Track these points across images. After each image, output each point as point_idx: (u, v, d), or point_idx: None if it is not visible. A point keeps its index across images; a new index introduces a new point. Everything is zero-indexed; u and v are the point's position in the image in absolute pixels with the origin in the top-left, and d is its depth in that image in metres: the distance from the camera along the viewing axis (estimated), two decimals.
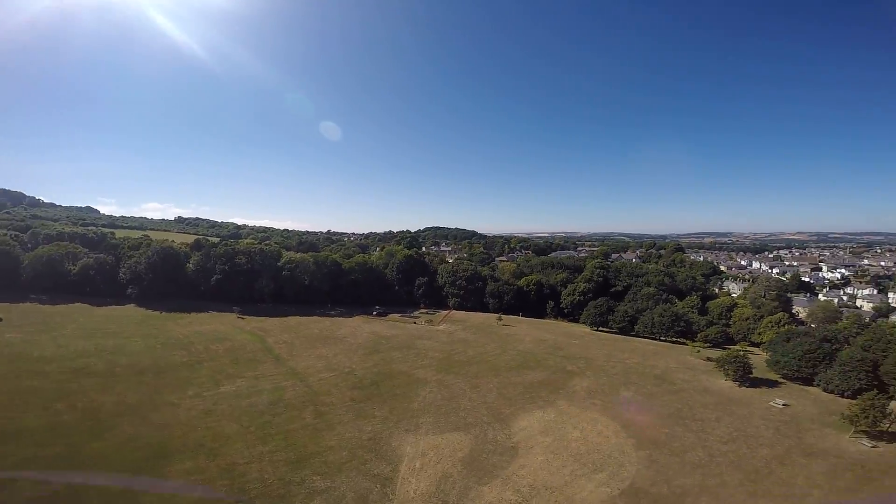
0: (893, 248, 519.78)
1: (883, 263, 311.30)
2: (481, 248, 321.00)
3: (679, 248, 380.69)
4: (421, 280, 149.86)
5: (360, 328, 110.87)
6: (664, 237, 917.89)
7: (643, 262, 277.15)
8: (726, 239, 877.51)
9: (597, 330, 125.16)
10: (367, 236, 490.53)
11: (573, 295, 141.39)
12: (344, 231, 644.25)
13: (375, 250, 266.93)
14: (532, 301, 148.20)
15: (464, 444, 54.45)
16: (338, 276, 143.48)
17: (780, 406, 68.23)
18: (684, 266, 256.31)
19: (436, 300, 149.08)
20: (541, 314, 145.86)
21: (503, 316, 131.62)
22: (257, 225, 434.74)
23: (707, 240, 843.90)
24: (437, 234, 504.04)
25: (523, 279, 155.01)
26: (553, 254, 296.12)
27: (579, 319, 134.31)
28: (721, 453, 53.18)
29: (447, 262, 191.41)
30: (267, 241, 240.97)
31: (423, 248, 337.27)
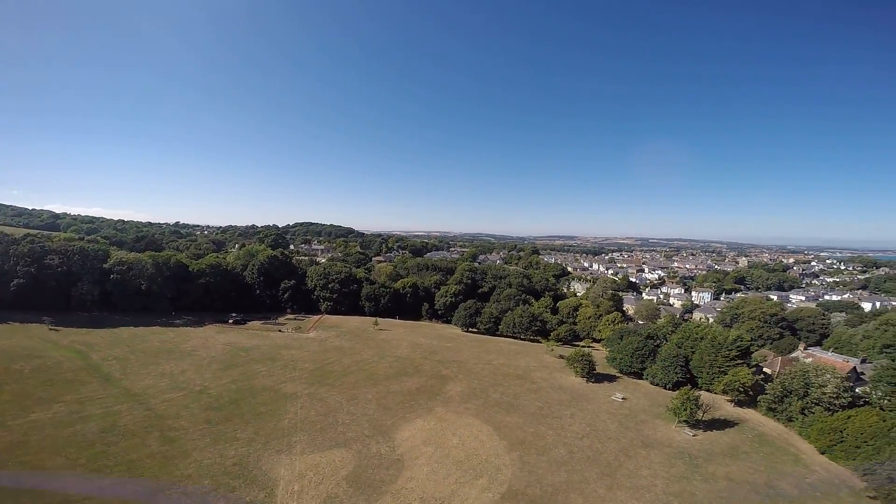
0: (695, 253, 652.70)
1: (688, 266, 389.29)
2: (358, 248, 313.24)
3: (535, 251, 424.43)
4: (287, 283, 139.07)
5: (213, 339, 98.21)
6: (524, 239, 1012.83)
7: (506, 263, 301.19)
8: (573, 242, 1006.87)
9: (467, 331, 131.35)
10: (224, 230, 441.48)
11: (446, 297, 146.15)
12: (197, 223, 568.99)
13: (234, 247, 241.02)
14: (408, 303, 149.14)
15: (346, 460, 51.86)
16: (185, 280, 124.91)
17: (620, 400, 79.53)
18: (539, 268, 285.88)
19: (305, 305, 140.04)
20: (417, 316, 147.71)
21: (379, 320, 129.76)
22: (83, 214, 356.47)
23: (557, 242, 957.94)
24: (309, 231, 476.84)
25: (399, 282, 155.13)
26: (428, 255, 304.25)
27: (452, 321, 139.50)
28: (579, 449, 59.57)
29: (318, 262, 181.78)
30: (93, 236, 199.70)
31: (292, 247, 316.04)
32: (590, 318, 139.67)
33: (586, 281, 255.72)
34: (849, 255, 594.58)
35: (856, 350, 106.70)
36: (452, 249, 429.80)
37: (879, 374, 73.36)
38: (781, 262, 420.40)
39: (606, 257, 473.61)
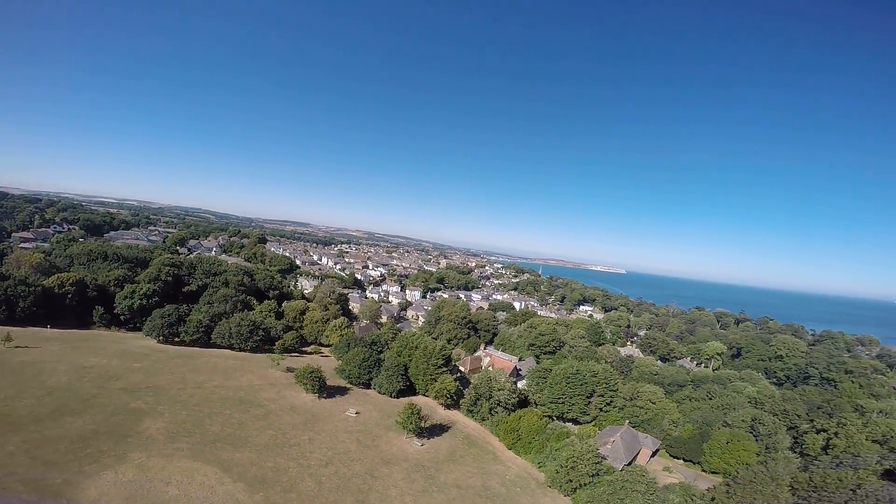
0: (410, 250, 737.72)
1: (405, 264, 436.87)
2: None
3: (263, 239, 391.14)
4: None
5: None
6: (251, 221, 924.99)
7: (225, 252, 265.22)
8: (305, 229, 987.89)
9: (166, 343, 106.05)
10: None
11: (133, 298, 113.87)
12: None
13: None
14: (70, 307, 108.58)
15: None
16: None
17: (354, 415, 79.25)
18: (265, 260, 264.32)
19: None
20: (85, 323, 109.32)
21: (16, 331, 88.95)
22: None
23: (289, 227, 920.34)
24: None
25: (54, 277, 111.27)
26: (111, 234, 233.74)
27: (143, 330, 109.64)
28: (326, 478, 55.82)
29: None
30: None
31: None
32: (317, 322, 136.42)
33: (315, 277, 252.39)
34: (509, 261, 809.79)
35: (513, 347, 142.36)
36: (153, 229, 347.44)
37: (531, 374, 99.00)
38: (468, 265, 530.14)
39: (336, 249, 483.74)
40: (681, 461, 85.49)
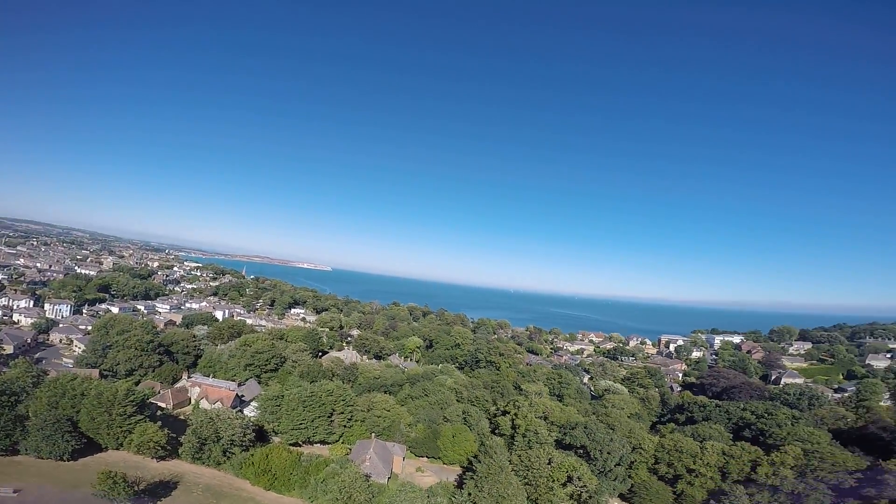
0: (50, 242, 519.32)
1: (39, 264, 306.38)
2: None
3: None
4: None
5: None
6: None
7: None
8: None
9: None
10: None
11: None
12: None
13: None
14: None
15: None
16: None
17: (13, 495, 54.98)
18: None
19: None
20: None
21: None
22: None
23: None
24: None
25: None
26: None
27: None
28: None
29: None
30: None
31: None
32: None
33: None
34: (205, 258, 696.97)
35: (227, 370, 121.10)
36: None
37: (262, 401, 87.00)
38: (147, 265, 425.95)
39: None
40: (426, 459, 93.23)
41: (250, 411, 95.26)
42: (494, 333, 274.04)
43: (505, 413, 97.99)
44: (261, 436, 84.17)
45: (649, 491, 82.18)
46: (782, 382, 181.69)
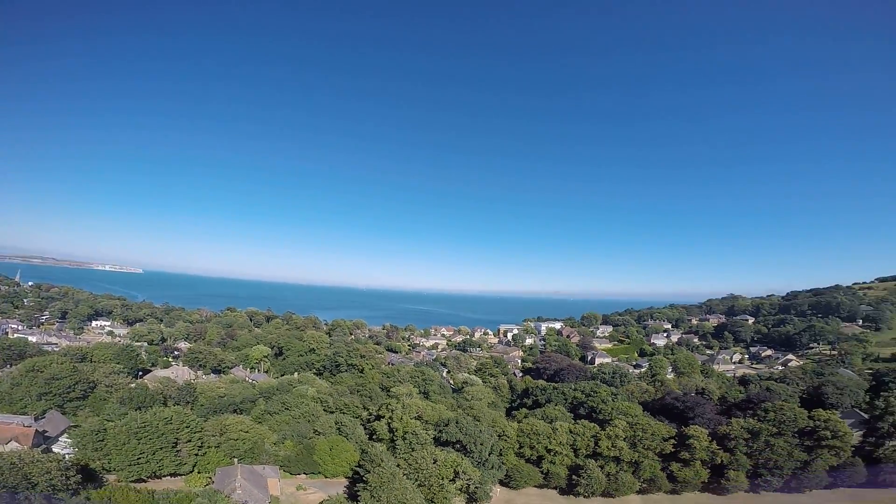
0: None
1: None
2: None
3: None
4: None
5: None
6: None
7: None
8: None
9: None
10: None
11: None
12: None
13: None
14: None
15: None
16: None
17: None
18: None
19: None
20: None
21: None
22: None
23: None
24: None
25: None
26: None
27: None
28: None
29: None
30: None
31: None
32: None
33: None
34: None
35: (11, 401, 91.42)
36: None
37: (77, 437, 69.18)
38: None
39: None
40: (303, 476, 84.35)
41: (61, 448, 75.10)
42: (351, 334, 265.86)
43: (380, 418, 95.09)
44: (89, 475, 65.93)
45: (521, 473, 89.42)
46: (596, 362, 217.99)
